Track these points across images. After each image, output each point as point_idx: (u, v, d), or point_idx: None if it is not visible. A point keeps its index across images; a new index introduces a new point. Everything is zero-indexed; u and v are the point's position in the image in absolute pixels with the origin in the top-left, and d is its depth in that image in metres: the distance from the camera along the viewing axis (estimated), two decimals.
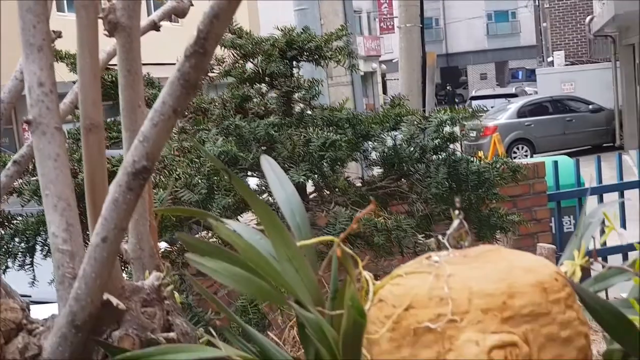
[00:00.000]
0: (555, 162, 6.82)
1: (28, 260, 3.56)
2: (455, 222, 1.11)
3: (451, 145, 3.94)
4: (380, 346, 1.03)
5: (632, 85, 19.32)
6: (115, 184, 1.11)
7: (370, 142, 3.99)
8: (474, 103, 25.28)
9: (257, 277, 1.04)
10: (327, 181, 3.70)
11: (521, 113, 20.52)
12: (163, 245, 3.45)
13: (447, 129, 3.82)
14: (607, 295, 3.14)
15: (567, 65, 25.90)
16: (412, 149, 3.80)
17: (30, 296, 3.01)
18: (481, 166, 3.72)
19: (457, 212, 1.10)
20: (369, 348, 1.06)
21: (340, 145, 3.48)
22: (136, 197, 1.11)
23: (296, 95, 3.88)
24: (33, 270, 3.56)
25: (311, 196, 3.87)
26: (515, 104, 21.42)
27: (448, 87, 45.57)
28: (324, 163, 3.60)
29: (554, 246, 5.66)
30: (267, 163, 1.23)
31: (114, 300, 1.20)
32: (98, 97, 1.38)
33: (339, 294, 1.04)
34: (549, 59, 30.55)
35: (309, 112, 3.85)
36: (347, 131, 3.70)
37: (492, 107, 23.09)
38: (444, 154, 3.83)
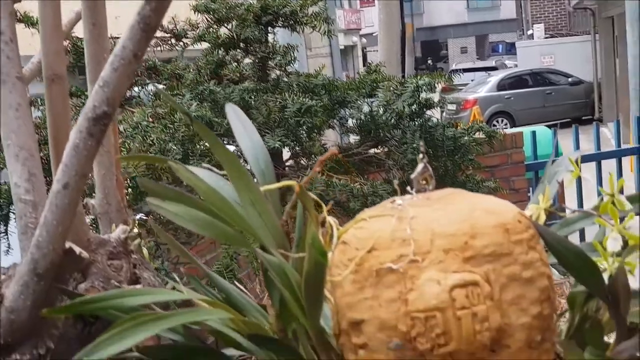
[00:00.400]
0: (534, 133, 6.82)
1: (3, 229, 3.54)
2: (420, 166, 1.10)
3: (428, 112, 3.93)
4: (343, 288, 1.03)
5: (611, 58, 19.37)
6: (75, 130, 1.10)
7: (346, 109, 3.97)
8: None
9: (219, 221, 1.03)
10: (303, 147, 3.69)
11: (501, 86, 20.55)
12: (138, 216, 3.43)
13: (424, 95, 3.80)
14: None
15: (546, 38, 25.95)
16: (388, 115, 3.79)
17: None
18: (457, 132, 3.72)
19: (420, 155, 1.09)
20: (332, 291, 1.06)
21: (316, 111, 3.46)
22: (97, 143, 1.09)
23: (272, 62, 3.85)
24: (8, 238, 3.54)
25: (287, 163, 3.86)
26: (495, 77, 21.45)
27: (429, 61, 45.50)
28: (301, 130, 3.58)
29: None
30: (232, 111, 1.22)
31: (77, 249, 1.19)
32: (60, 47, 1.36)
33: (302, 239, 1.04)
34: (529, 32, 30.57)
35: (285, 78, 3.82)
36: (323, 97, 3.68)
37: (472, 81, 23.12)
38: (420, 120, 3.83)
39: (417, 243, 0.98)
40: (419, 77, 3.66)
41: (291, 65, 3.85)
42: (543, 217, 1.14)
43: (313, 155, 3.71)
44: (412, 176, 1.10)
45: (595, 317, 1.02)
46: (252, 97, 3.48)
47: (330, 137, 5.16)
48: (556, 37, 25.81)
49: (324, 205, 1.10)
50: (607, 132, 15.01)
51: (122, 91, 1.10)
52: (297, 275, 0.99)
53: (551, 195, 1.19)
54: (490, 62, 34.03)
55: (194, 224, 1.03)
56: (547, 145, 7.08)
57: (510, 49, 39.04)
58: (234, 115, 1.19)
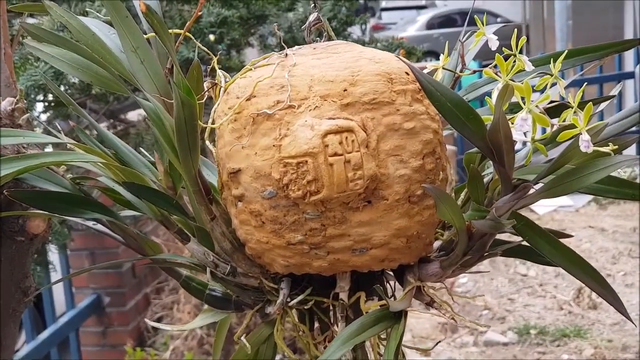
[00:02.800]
0: None
1: None
2: (312, 16, 1.08)
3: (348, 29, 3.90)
4: (223, 138, 1.01)
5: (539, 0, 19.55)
6: None
7: (266, 25, 3.91)
8: (384, 15, 25.27)
9: (96, 64, 0.99)
10: (218, 60, 3.62)
11: (430, 25, 20.59)
12: None
13: (344, 10, 3.77)
14: None
15: None
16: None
17: None
18: (377, 48, 3.70)
19: (312, 5, 1.07)
20: (216, 143, 1.04)
21: (233, 22, 3.39)
22: None
23: None
24: None
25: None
26: (425, 16, 21.47)
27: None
28: (219, 46, 3.51)
29: (454, 147, 5.66)
30: None
31: None
32: None
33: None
34: None
35: None
36: (241, 10, 3.61)
37: (401, 19, 23.11)
38: (340, 37, 3.79)
39: (295, 89, 0.96)
40: None
41: None
42: (440, 76, 1.13)
43: (228, 70, 3.65)
44: (304, 27, 1.09)
45: (475, 171, 1.01)
46: (166, 5, 3.39)
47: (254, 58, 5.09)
48: None
49: (214, 55, 1.08)
50: None
51: None
52: (172, 119, 0.96)
53: (455, 56, 1.18)
54: (420, 1, 34.02)
55: (68, 65, 0.99)
56: (472, 77, 7.11)
57: None
58: None
